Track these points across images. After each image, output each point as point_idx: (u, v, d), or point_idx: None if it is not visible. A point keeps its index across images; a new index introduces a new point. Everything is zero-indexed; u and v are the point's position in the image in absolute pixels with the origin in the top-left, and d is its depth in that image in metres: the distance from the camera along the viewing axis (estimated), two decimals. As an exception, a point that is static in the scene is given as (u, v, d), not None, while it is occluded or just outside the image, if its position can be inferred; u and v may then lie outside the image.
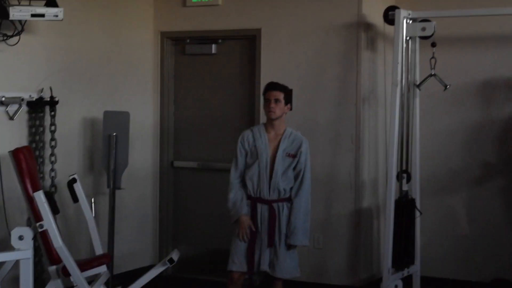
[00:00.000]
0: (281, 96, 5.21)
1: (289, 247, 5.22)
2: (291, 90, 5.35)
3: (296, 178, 5.25)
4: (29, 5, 5.21)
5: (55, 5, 5.23)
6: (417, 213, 6.44)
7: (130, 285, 5.03)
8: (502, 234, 6.59)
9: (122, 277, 5.93)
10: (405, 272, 6.34)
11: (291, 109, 5.31)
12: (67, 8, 5.29)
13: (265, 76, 6.42)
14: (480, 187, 6.63)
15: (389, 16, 6.32)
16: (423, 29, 6.23)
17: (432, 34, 6.25)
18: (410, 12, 6.22)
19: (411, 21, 6.26)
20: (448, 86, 6.32)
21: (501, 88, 6.47)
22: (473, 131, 6.82)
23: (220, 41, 7.28)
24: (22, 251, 4.39)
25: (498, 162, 6.78)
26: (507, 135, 6.54)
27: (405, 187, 6.37)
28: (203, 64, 7.39)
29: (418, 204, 6.47)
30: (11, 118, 5.30)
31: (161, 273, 5.26)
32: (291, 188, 5.24)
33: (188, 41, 7.35)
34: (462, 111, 6.82)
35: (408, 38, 6.32)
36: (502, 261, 6.56)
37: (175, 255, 5.17)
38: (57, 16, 5.20)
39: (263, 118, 5.73)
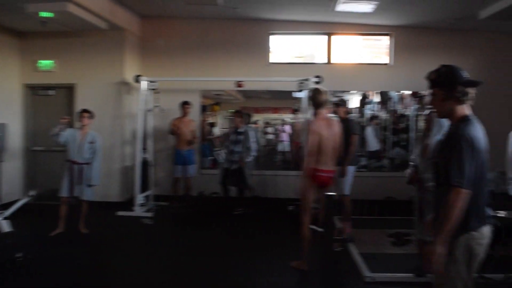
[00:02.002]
0: (87, 115, 5.67)
1: (89, 185, 5.63)
2: (92, 112, 5.72)
3: (93, 153, 5.64)
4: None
5: None
6: (151, 168, 7.26)
7: (7, 210, 4.87)
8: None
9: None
10: (146, 193, 7.03)
11: (91, 119, 5.68)
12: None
13: (79, 106, 6.57)
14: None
15: (137, 79, 6.97)
16: (152, 85, 7.11)
17: (157, 88, 7.14)
18: (147, 78, 7.04)
19: (147, 82, 7.02)
20: (164, 110, 7.22)
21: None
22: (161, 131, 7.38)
23: (56, 89, 7.57)
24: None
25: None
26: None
27: (145, 156, 7.09)
28: (48, 100, 7.60)
29: (152, 163, 7.28)
30: None
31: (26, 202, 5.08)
32: (92, 158, 5.61)
33: (40, 88, 7.56)
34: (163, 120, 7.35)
35: (146, 89, 7.03)
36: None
37: (32, 193, 5.20)
38: None
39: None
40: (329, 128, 4.39)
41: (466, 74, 2.36)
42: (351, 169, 5.59)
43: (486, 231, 2.37)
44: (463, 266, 2.33)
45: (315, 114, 4.46)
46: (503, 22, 6.72)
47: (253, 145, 6.88)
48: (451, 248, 2.31)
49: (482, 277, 3.93)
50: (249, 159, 6.89)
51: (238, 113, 7.10)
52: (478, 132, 2.35)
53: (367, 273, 4.36)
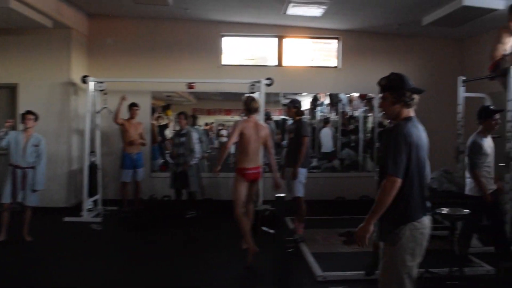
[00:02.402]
0: (32, 117, 5.45)
1: (34, 190, 5.43)
2: (37, 114, 5.50)
3: (37, 156, 5.44)
4: None
5: None
6: (99, 171, 7.11)
7: None
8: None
9: None
10: (94, 197, 6.93)
11: (36, 121, 5.47)
12: None
13: (22, 107, 6.36)
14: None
15: (84, 80, 6.86)
16: (100, 86, 7.00)
17: (105, 89, 7.01)
18: (94, 78, 6.93)
19: (95, 82, 6.94)
20: (113, 112, 6.88)
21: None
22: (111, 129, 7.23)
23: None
24: None
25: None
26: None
27: (93, 159, 7.00)
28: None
29: (99, 166, 7.10)
30: None
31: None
32: (36, 161, 5.41)
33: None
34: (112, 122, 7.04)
35: (94, 90, 6.97)
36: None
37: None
38: None
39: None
40: (255, 131, 4.81)
41: (412, 82, 2.63)
42: (302, 171, 5.60)
43: (427, 221, 2.60)
44: (407, 254, 2.53)
45: (247, 118, 4.89)
46: (444, 28, 7.08)
47: (197, 147, 6.79)
48: (396, 238, 2.53)
49: (428, 272, 4.11)
50: (194, 161, 6.79)
51: (181, 115, 7.01)
52: (418, 130, 2.61)
53: (319, 272, 4.45)
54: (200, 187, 7.18)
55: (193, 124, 7.62)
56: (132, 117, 6.99)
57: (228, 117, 8.10)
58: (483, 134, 4.54)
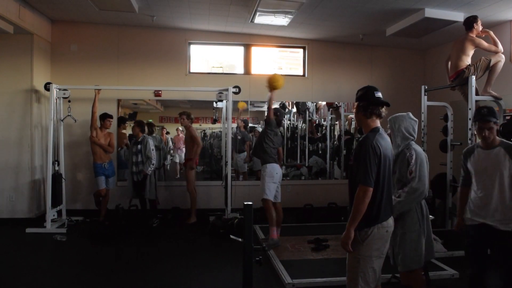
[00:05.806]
0: None
1: None
2: None
3: None
4: None
5: None
6: (63, 181, 6.91)
7: None
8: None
9: None
10: (58, 207, 6.76)
11: None
12: None
13: None
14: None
15: (47, 87, 6.75)
16: (64, 94, 6.83)
17: (69, 96, 6.81)
18: (57, 85, 6.79)
19: (58, 90, 6.78)
20: (77, 121, 6.93)
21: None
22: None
23: None
24: None
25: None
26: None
27: (56, 169, 6.83)
28: None
29: (64, 176, 6.90)
30: None
31: None
32: None
33: None
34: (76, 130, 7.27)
35: (57, 97, 6.83)
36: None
37: None
38: None
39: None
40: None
41: (379, 94, 2.85)
42: (273, 166, 5.65)
43: (391, 221, 2.89)
44: (374, 250, 2.79)
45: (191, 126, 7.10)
46: (407, 38, 7.28)
47: (152, 154, 6.70)
48: (365, 236, 2.77)
49: (394, 277, 4.18)
50: (150, 168, 6.71)
51: (136, 123, 6.97)
52: (384, 141, 2.84)
53: (288, 279, 4.44)
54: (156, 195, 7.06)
55: (150, 132, 7.52)
56: (105, 127, 6.89)
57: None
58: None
